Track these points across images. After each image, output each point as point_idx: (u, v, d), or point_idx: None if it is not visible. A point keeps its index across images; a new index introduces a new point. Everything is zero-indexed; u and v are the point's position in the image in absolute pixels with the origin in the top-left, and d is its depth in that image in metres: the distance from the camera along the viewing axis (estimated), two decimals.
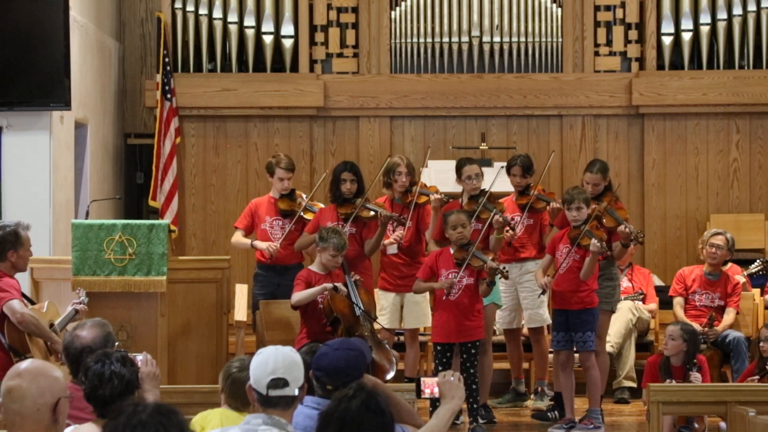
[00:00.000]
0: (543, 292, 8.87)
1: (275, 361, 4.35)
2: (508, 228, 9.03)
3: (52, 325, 7.50)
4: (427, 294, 9.12)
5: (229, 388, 5.34)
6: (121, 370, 4.64)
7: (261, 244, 9.26)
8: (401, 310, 9.33)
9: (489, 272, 8.40)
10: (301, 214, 9.31)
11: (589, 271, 8.58)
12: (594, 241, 8.47)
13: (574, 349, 8.79)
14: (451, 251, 8.59)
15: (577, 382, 8.90)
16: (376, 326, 8.85)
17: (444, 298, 8.54)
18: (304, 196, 9.56)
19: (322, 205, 9.61)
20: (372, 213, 8.98)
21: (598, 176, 9.16)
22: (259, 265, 9.49)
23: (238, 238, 9.50)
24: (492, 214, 8.87)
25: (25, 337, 7.36)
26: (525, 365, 9.98)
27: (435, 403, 7.89)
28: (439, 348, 8.61)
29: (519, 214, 9.33)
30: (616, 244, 8.85)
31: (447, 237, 8.68)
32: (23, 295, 7.64)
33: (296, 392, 4.35)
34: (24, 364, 4.10)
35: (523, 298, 9.46)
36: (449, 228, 8.57)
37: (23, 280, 8.04)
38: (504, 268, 8.57)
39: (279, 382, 4.32)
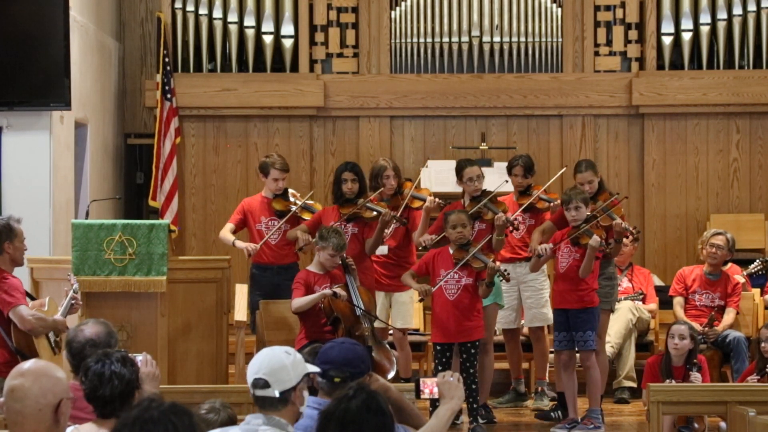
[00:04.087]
0: (539, 255, 8.80)
1: (261, 362, 4.38)
2: (510, 228, 9.03)
3: None
4: (414, 294, 9.09)
5: None
6: (121, 370, 4.63)
7: (241, 244, 9.27)
8: (389, 310, 9.35)
9: (489, 273, 8.40)
10: (298, 213, 9.31)
11: (587, 267, 8.58)
12: (594, 236, 8.49)
13: (576, 348, 8.79)
14: (450, 251, 8.58)
15: (578, 382, 8.90)
16: (379, 324, 8.86)
17: (419, 301, 8.53)
18: (297, 194, 9.55)
19: (319, 205, 9.61)
20: (374, 213, 8.97)
21: (588, 173, 9.12)
22: (255, 265, 9.47)
23: (226, 233, 9.48)
24: (494, 215, 8.88)
25: (32, 340, 7.36)
26: (525, 365, 9.99)
27: (435, 402, 7.91)
28: (438, 348, 8.60)
29: (519, 214, 9.33)
30: (611, 241, 8.84)
31: (446, 236, 8.67)
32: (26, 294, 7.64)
33: (277, 394, 4.33)
34: (27, 364, 4.09)
35: (526, 297, 9.45)
36: (449, 227, 8.56)
37: (23, 280, 8.04)
38: (506, 270, 8.57)
39: (259, 382, 4.34)
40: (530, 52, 12.41)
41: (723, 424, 8.26)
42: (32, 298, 7.76)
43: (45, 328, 7.37)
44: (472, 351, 8.54)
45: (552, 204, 9.27)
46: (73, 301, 7.60)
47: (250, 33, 12.38)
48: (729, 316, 9.87)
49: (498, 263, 8.82)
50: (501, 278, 8.52)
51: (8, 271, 7.52)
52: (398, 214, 9.01)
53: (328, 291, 8.36)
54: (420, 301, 8.58)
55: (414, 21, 12.43)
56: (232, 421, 5.01)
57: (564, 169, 10.56)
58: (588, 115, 12.48)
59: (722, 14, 12.28)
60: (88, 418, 4.68)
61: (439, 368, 8.47)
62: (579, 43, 12.50)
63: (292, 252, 9.42)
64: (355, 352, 4.76)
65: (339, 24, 12.58)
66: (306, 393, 4.46)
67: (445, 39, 12.41)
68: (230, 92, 12.33)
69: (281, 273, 9.26)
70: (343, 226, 8.97)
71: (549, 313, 9.43)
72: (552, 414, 9.08)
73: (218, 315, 8.93)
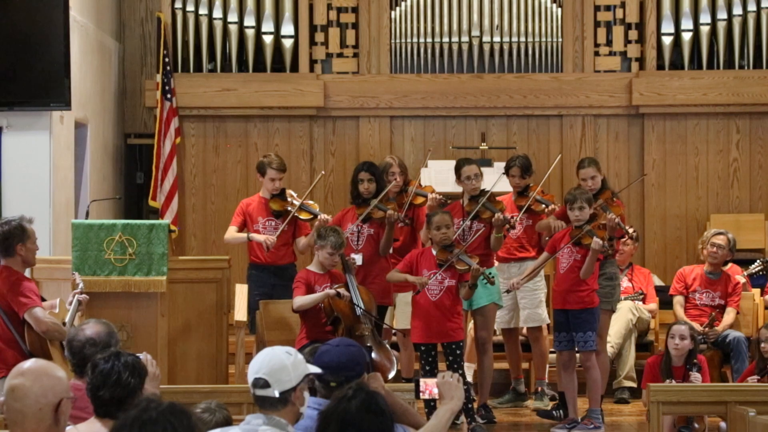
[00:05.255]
0: (507, 291, 8.91)
1: (261, 362, 4.38)
2: (507, 227, 9.03)
3: (63, 324, 7.49)
4: None
5: None
6: (127, 378, 4.57)
7: (258, 237, 9.24)
8: (393, 311, 9.35)
9: (473, 275, 8.35)
10: (296, 213, 9.29)
11: (588, 269, 8.57)
12: (595, 238, 8.48)
13: (576, 349, 8.79)
14: (433, 252, 8.54)
15: (579, 382, 8.90)
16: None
17: (414, 294, 8.54)
18: (294, 194, 9.54)
19: (317, 205, 9.60)
20: (382, 213, 8.96)
21: (591, 169, 9.13)
22: (252, 265, 9.45)
23: (233, 233, 9.48)
24: (493, 213, 8.87)
25: (46, 343, 7.32)
26: (524, 365, 9.99)
27: (429, 403, 7.92)
28: (423, 348, 8.58)
29: (516, 214, 9.33)
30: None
31: (430, 237, 8.64)
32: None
33: (277, 394, 4.33)
34: (27, 364, 4.10)
35: (521, 297, 9.47)
36: (433, 228, 8.51)
37: None
38: (490, 273, 8.54)
39: (259, 382, 4.34)
40: (530, 52, 12.41)
41: (723, 424, 8.26)
42: (43, 300, 7.74)
43: (60, 334, 7.34)
44: (458, 352, 8.53)
45: (548, 208, 9.25)
46: (79, 300, 7.57)
47: (250, 33, 12.38)
48: (729, 316, 9.87)
49: (495, 264, 8.83)
50: (485, 281, 8.49)
51: (21, 273, 7.50)
52: (402, 213, 9.00)
53: (331, 291, 8.35)
54: (417, 293, 8.52)
55: (414, 21, 12.43)
56: (227, 422, 5.01)
57: (559, 156, 10.61)
58: (588, 115, 12.48)
59: (722, 14, 12.29)
60: (88, 418, 4.68)
61: (426, 368, 8.48)
62: (579, 43, 12.50)
63: (289, 252, 9.42)
64: (350, 355, 4.75)
65: (339, 24, 12.59)
66: (306, 393, 4.46)
67: (445, 39, 12.41)
68: (230, 92, 12.33)
69: (278, 273, 9.25)
70: (360, 228, 8.97)
71: (543, 313, 9.45)
72: (554, 413, 9.08)
73: (218, 315, 8.94)
